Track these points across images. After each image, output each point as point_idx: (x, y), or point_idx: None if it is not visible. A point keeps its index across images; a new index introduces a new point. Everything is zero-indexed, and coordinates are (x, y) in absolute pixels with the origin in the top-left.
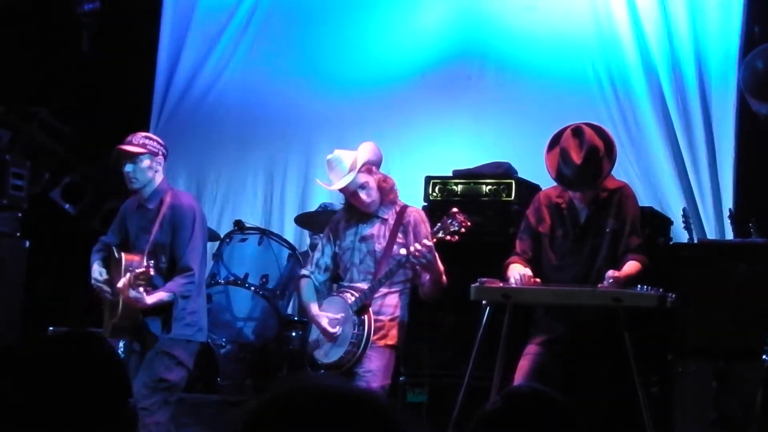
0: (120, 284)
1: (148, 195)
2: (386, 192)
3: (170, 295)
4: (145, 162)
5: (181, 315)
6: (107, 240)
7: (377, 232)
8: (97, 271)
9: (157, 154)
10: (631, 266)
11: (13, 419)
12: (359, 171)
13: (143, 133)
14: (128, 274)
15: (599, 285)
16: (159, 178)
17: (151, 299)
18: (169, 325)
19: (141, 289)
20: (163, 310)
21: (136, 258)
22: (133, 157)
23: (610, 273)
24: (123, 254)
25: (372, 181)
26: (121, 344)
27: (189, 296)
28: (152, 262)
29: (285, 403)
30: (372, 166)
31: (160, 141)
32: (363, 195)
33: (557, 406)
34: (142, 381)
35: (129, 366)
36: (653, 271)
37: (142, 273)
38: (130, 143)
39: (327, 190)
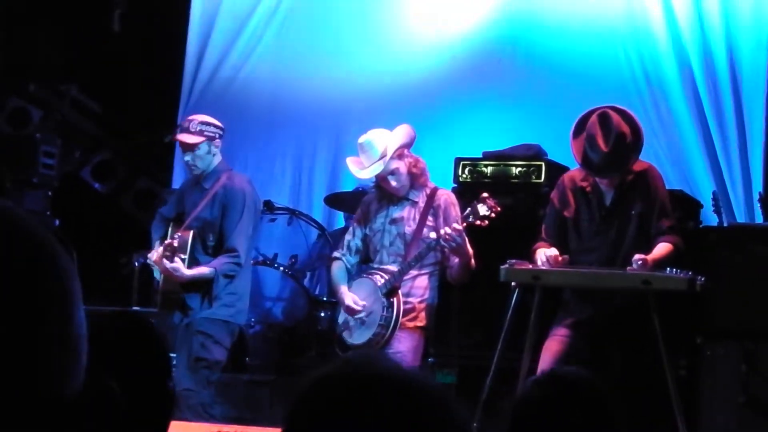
0: (153, 256)
1: (206, 175)
2: (417, 176)
3: (212, 271)
4: (204, 149)
5: (221, 295)
6: (164, 212)
7: (407, 214)
8: (154, 253)
9: (214, 138)
10: (661, 249)
11: None
12: (390, 158)
13: (200, 118)
14: (159, 248)
15: (628, 268)
16: (217, 159)
17: (190, 272)
18: (209, 302)
19: (178, 260)
20: (203, 286)
21: (177, 232)
22: (192, 147)
23: (638, 256)
24: (171, 227)
25: (403, 166)
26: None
27: (233, 275)
28: (183, 233)
29: (339, 382)
30: (404, 149)
31: (217, 123)
32: (393, 181)
33: (594, 390)
34: (183, 362)
35: (176, 340)
36: (685, 252)
37: (168, 244)
38: (188, 131)
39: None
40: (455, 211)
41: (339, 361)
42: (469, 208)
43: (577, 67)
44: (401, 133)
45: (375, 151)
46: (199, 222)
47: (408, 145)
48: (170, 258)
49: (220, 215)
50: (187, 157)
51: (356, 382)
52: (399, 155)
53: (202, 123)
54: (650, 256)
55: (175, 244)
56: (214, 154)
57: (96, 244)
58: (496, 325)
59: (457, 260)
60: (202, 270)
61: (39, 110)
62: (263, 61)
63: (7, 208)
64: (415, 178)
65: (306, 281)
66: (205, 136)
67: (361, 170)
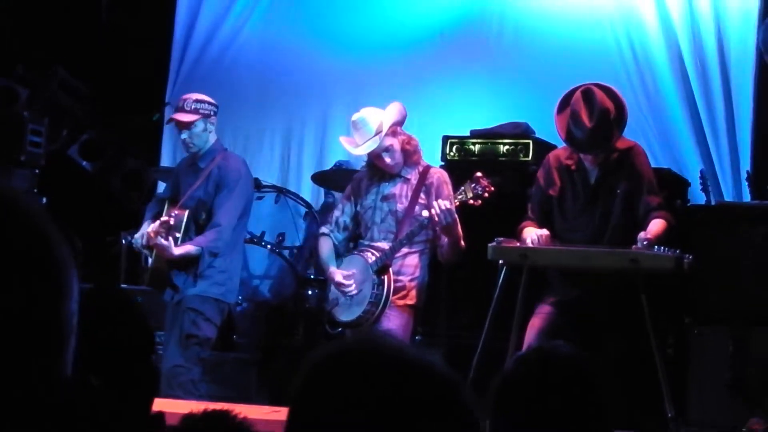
0: (150, 230)
1: (201, 155)
2: (410, 153)
3: (198, 249)
4: (200, 127)
5: (210, 273)
6: (161, 194)
7: (399, 191)
8: (141, 234)
9: (209, 116)
10: (657, 225)
11: None
12: (385, 135)
13: (194, 96)
14: (156, 223)
15: (633, 247)
16: (212, 138)
17: (178, 250)
18: (193, 280)
19: (170, 239)
20: (189, 264)
21: (172, 210)
22: (188, 125)
23: (642, 235)
24: (167, 205)
25: (396, 143)
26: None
27: (217, 253)
28: (178, 212)
29: (347, 362)
30: (397, 126)
31: (211, 101)
32: (387, 158)
33: (579, 365)
34: (174, 339)
35: (167, 317)
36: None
37: (164, 221)
38: (183, 110)
39: (344, 149)
40: (448, 189)
41: (345, 341)
42: (461, 188)
43: (565, 46)
44: (394, 110)
45: (369, 129)
46: (193, 201)
47: (400, 123)
48: (164, 235)
49: (214, 194)
50: (184, 135)
51: (366, 361)
52: (392, 132)
53: (197, 101)
54: (651, 234)
55: (172, 222)
56: (210, 132)
57: (83, 222)
58: (484, 303)
59: (446, 240)
60: (189, 248)
61: (26, 89)
62: (251, 39)
63: (7, 192)
64: (409, 156)
65: (293, 259)
66: (200, 113)
67: (356, 148)
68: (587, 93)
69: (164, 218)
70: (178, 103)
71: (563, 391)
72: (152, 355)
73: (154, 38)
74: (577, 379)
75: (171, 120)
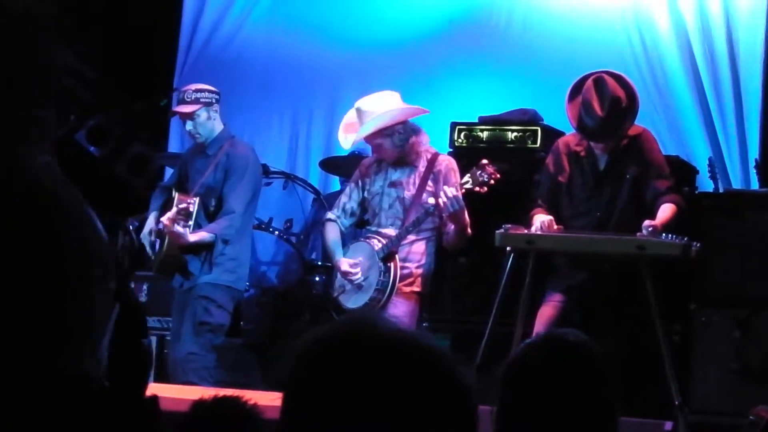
0: (165, 219)
1: (209, 143)
2: (415, 145)
3: (211, 236)
4: (203, 115)
5: (221, 260)
6: (166, 183)
7: (407, 178)
8: (148, 229)
9: (211, 103)
10: (666, 211)
11: None
12: (382, 135)
13: (193, 87)
14: (174, 209)
15: (638, 234)
16: (218, 125)
17: (193, 237)
18: (209, 266)
19: (186, 226)
20: (203, 250)
21: (187, 198)
22: (191, 115)
23: (648, 222)
24: (177, 194)
25: (388, 142)
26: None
27: (229, 240)
28: (196, 199)
29: (341, 342)
30: (396, 127)
31: (211, 89)
32: (387, 145)
33: (588, 352)
34: (187, 327)
35: (174, 304)
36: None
37: (183, 208)
38: (184, 102)
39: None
40: (455, 177)
41: (338, 322)
42: (467, 175)
43: (574, 33)
44: (394, 114)
45: (367, 125)
46: (203, 188)
47: (401, 123)
48: (183, 223)
49: (222, 180)
50: (189, 126)
51: (358, 342)
52: (388, 134)
53: (196, 91)
54: (658, 221)
55: (191, 209)
56: (214, 119)
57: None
58: (490, 290)
59: (452, 227)
60: (203, 235)
61: None
62: (259, 25)
63: (48, 184)
64: (413, 148)
65: (301, 246)
66: (201, 102)
67: (344, 140)
68: (599, 81)
69: (182, 205)
70: (179, 95)
71: (571, 377)
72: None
73: (162, 25)
74: (585, 367)
75: (173, 113)
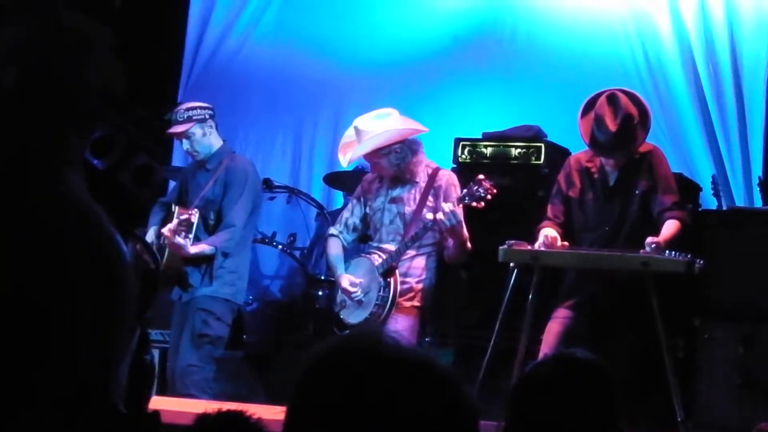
0: (166, 230)
1: (208, 158)
2: (412, 164)
3: (212, 248)
4: (198, 132)
5: (221, 273)
6: (165, 199)
7: (408, 194)
8: (150, 237)
9: (205, 120)
10: (670, 227)
11: None
12: (379, 154)
13: (185, 106)
14: (175, 221)
15: (641, 251)
16: (216, 141)
17: (193, 249)
18: (209, 279)
19: (186, 238)
20: (203, 262)
21: (188, 210)
22: (185, 134)
23: (651, 239)
24: (177, 207)
25: (392, 157)
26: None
27: (229, 253)
28: (195, 210)
29: (346, 358)
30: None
31: (203, 105)
32: (384, 163)
33: (598, 372)
34: (186, 339)
35: (173, 316)
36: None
37: (185, 220)
38: (177, 122)
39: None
40: (455, 191)
41: (344, 338)
42: (465, 190)
43: (578, 50)
44: (392, 134)
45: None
46: (203, 202)
47: (398, 142)
48: (184, 234)
49: (222, 194)
50: (186, 146)
51: (362, 359)
52: (385, 153)
53: (188, 109)
54: (662, 238)
55: (192, 220)
56: (210, 135)
57: None
58: (494, 305)
59: (452, 242)
60: (203, 247)
61: None
62: (264, 39)
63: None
64: (412, 165)
65: (305, 260)
66: (193, 120)
67: (344, 157)
68: (612, 98)
69: (184, 217)
70: (171, 116)
71: (579, 396)
72: (147, 354)
73: (168, 37)
74: (593, 386)
75: (168, 135)
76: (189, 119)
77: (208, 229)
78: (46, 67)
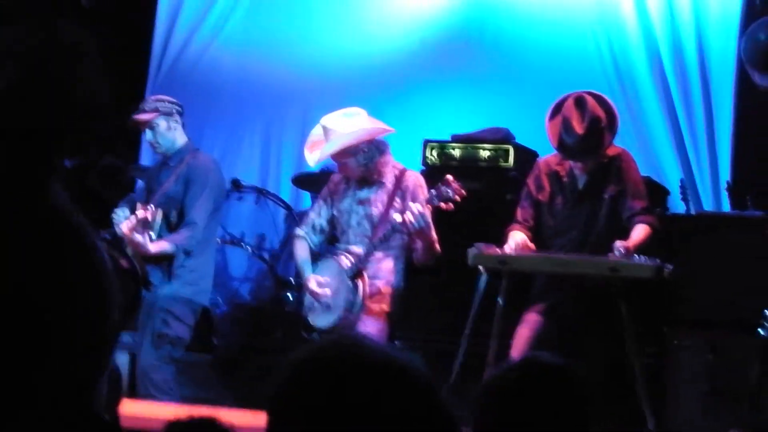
0: (123, 227)
1: (171, 154)
2: (379, 164)
3: (173, 246)
4: (162, 124)
5: (182, 272)
6: (133, 196)
7: (375, 195)
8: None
9: (171, 113)
10: (639, 232)
11: None
12: (347, 154)
13: (154, 97)
14: (132, 218)
15: (610, 255)
16: (181, 138)
17: (153, 247)
18: (169, 277)
19: (146, 235)
20: (164, 261)
21: (145, 207)
22: (148, 124)
23: (619, 243)
24: (139, 204)
25: (360, 157)
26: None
27: (191, 252)
28: (155, 208)
29: (324, 365)
30: (360, 146)
31: (172, 99)
32: (352, 164)
33: (568, 376)
34: (147, 339)
35: (140, 315)
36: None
37: (142, 217)
38: (143, 111)
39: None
40: (423, 192)
41: (325, 342)
42: (432, 191)
43: (546, 52)
44: (359, 133)
45: (332, 143)
46: (164, 198)
47: (366, 141)
48: (141, 231)
49: (183, 192)
50: (149, 136)
51: (345, 362)
52: (354, 152)
53: (156, 100)
54: (631, 242)
55: (149, 217)
56: (174, 130)
57: None
58: (462, 309)
59: (420, 243)
60: (164, 245)
61: None
62: (232, 39)
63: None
64: (379, 165)
65: (274, 262)
66: (159, 111)
67: (311, 153)
68: (579, 100)
69: (140, 214)
70: (140, 105)
71: (548, 400)
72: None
73: (134, 38)
74: (561, 389)
75: (133, 121)
76: (155, 110)
77: (170, 227)
78: (43, 68)
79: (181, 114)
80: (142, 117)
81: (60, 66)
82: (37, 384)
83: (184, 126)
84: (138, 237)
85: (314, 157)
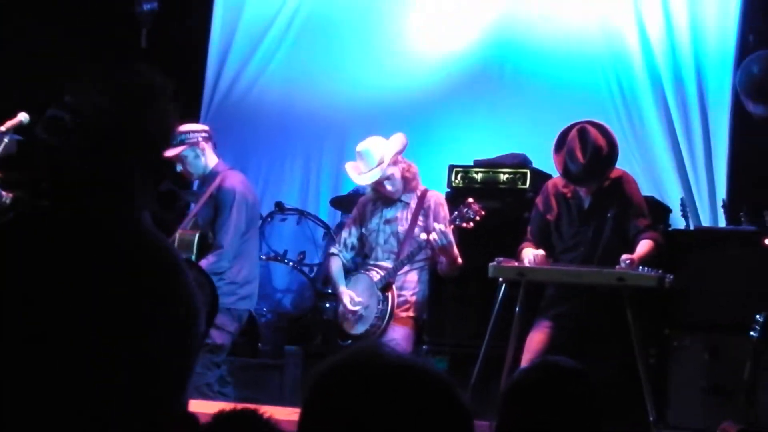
0: None
1: (204, 178)
2: (409, 180)
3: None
4: (190, 155)
5: (218, 285)
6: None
7: (400, 215)
8: None
9: (197, 143)
10: (644, 246)
11: None
12: (387, 165)
13: (179, 129)
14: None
15: (617, 267)
16: (211, 161)
17: None
18: None
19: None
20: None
21: (187, 231)
22: (176, 157)
23: (626, 256)
24: (179, 229)
25: (397, 172)
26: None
27: (222, 272)
28: (186, 233)
29: (352, 370)
30: (398, 155)
31: (196, 128)
32: (388, 186)
33: (581, 377)
34: None
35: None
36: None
37: (182, 239)
38: (170, 147)
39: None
40: (444, 211)
41: (350, 348)
42: (455, 212)
43: (560, 85)
44: (396, 141)
45: (372, 159)
46: (201, 221)
47: (401, 152)
48: (183, 253)
49: (213, 215)
50: (179, 168)
51: (365, 370)
52: (394, 162)
53: (181, 133)
54: (636, 255)
55: (189, 239)
56: (204, 156)
57: None
58: (486, 316)
59: (444, 258)
60: None
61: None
62: (276, 75)
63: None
64: (408, 182)
65: (313, 275)
66: (185, 143)
67: (359, 176)
68: (582, 131)
69: (182, 237)
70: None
71: (563, 399)
72: None
73: (189, 73)
74: (575, 389)
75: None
76: (181, 143)
77: (208, 247)
78: (130, 105)
79: (208, 138)
80: (170, 153)
81: (144, 103)
82: (116, 410)
83: (215, 146)
84: None
85: (362, 178)
